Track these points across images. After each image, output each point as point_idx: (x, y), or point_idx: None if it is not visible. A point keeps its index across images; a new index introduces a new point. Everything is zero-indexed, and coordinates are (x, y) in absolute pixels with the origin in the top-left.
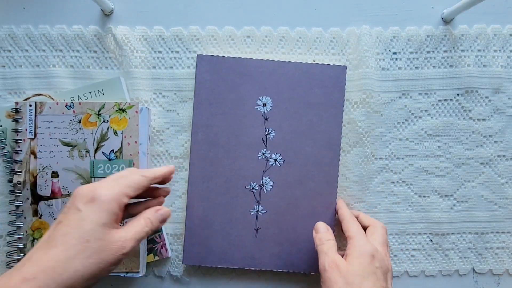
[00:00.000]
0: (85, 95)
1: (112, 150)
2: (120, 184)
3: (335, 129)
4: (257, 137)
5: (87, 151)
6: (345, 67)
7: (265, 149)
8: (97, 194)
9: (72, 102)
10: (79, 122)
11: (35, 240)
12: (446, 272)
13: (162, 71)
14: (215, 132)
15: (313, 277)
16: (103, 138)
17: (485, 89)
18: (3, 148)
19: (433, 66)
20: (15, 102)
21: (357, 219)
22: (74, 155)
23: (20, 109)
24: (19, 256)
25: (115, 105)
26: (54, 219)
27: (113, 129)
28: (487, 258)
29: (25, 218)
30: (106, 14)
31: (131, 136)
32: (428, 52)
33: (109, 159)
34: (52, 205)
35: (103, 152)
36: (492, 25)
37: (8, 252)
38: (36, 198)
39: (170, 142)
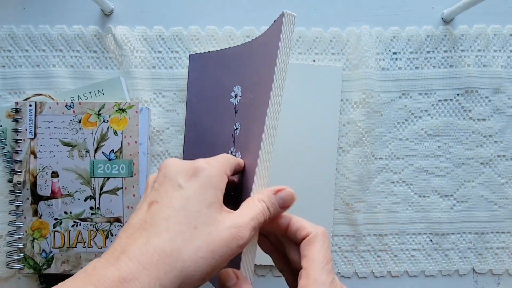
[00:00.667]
0: (85, 95)
1: (112, 150)
2: (218, 161)
3: (332, 129)
4: None
5: (87, 151)
6: (340, 68)
7: None
8: (201, 168)
9: (72, 102)
10: (79, 122)
11: (35, 240)
12: (446, 272)
13: (162, 71)
14: (203, 131)
15: None
16: (103, 138)
17: (485, 89)
18: (3, 148)
19: (433, 66)
20: (15, 102)
21: (288, 227)
22: (74, 155)
23: (20, 109)
24: (19, 256)
25: (115, 105)
26: (55, 219)
27: (113, 129)
28: (487, 258)
29: (25, 218)
30: (106, 14)
31: (131, 136)
32: (428, 52)
33: (109, 159)
34: (52, 205)
35: (103, 152)
36: (492, 25)
37: (8, 252)
38: (36, 198)
39: (170, 142)
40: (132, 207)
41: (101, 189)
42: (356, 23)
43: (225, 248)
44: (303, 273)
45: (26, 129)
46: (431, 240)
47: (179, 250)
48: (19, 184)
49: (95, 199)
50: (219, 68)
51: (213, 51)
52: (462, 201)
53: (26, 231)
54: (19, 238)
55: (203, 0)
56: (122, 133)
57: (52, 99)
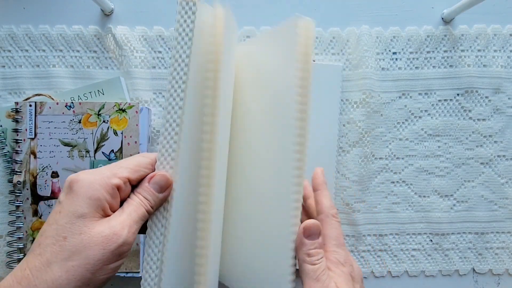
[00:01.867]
0: (85, 95)
1: (112, 150)
2: (110, 166)
3: (332, 128)
4: None
5: (87, 151)
6: (341, 66)
7: None
8: (75, 180)
9: (72, 102)
10: (79, 122)
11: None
12: (446, 272)
13: (162, 71)
14: None
15: None
16: (103, 138)
17: (485, 89)
18: (3, 148)
19: (433, 66)
20: (15, 102)
21: (306, 202)
22: (74, 155)
23: (20, 109)
24: (19, 256)
25: (115, 105)
26: None
27: (113, 129)
28: (487, 258)
29: (25, 218)
30: (106, 14)
31: (131, 136)
32: (428, 52)
33: (109, 159)
34: (52, 205)
35: (103, 152)
36: (492, 25)
37: (8, 252)
38: (36, 198)
39: None
40: None
41: None
42: (356, 23)
43: (102, 251)
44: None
45: (26, 129)
46: (431, 240)
47: (48, 262)
48: (19, 184)
49: None
50: None
51: None
52: (462, 201)
53: (26, 231)
54: (19, 238)
55: (203, 1)
56: (122, 133)
57: (52, 99)
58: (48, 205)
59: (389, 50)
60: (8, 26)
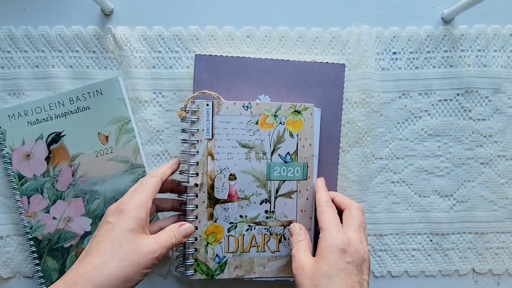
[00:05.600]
0: (83, 95)
1: (288, 153)
2: (140, 191)
3: (335, 127)
4: None
5: (264, 153)
6: (343, 65)
7: None
8: (122, 206)
9: (249, 103)
10: (257, 123)
11: (209, 245)
12: (446, 272)
13: (162, 71)
14: None
15: None
16: (280, 140)
17: (485, 89)
18: (2, 150)
19: (433, 66)
20: (191, 101)
21: (333, 202)
22: (252, 157)
23: (196, 108)
24: (191, 261)
25: (291, 106)
26: (230, 223)
27: (289, 131)
28: (487, 258)
29: (199, 222)
30: (106, 14)
31: (306, 139)
32: (428, 52)
33: (285, 162)
34: (228, 209)
35: (279, 155)
36: (492, 25)
37: (177, 257)
38: (213, 201)
39: (170, 142)
40: (305, 211)
41: (277, 192)
42: (356, 23)
43: (144, 258)
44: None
45: (203, 130)
46: (431, 240)
47: (107, 262)
48: (196, 187)
49: (270, 203)
50: (236, 74)
51: (226, 56)
52: (462, 201)
53: (200, 236)
54: (192, 243)
55: (203, 0)
56: (297, 135)
57: (219, 97)
58: (224, 209)
59: (389, 50)
60: (7, 27)
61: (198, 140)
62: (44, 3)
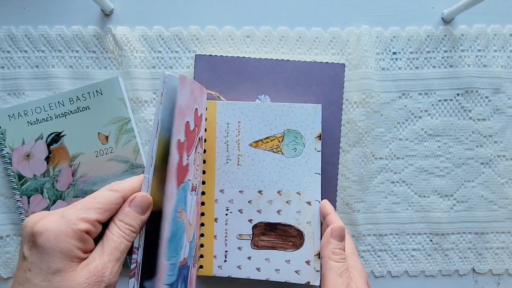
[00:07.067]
0: (83, 95)
1: None
2: (75, 208)
3: (335, 127)
4: None
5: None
6: (343, 65)
7: None
8: (38, 233)
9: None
10: None
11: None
12: (446, 272)
13: (162, 71)
14: None
15: None
16: None
17: (485, 89)
18: (2, 150)
19: (433, 66)
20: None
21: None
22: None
23: None
24: None
25: None
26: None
27: None
28: (487, 258)
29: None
30: (106, 14)
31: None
32: (428, 52)
33: None
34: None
35: None
36: (492, 25)
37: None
38: None
39: None
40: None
41: None
42: (356, 23)
43: None
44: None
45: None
46: (431, 240)
47: None
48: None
49: None
50: (237, 74)
51: (226, 56)
52: (462, 201)
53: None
54: None
55: (203, 0)
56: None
57: (219, 98)
58: None
59: (389, 50)
60: (7, 27)
61: None
62: (44, 3)
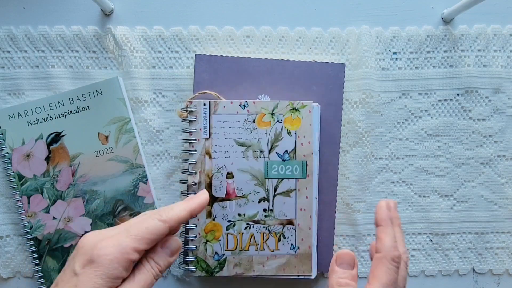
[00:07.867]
0: (83, 95)
1: (286, 151)
2: (130, 236)
3: (335, 127)
4: None
5: (262, 151)
6: (343, 65)
7: None
8: (97, 253)
9: (246, 101)
10: (253, 121)
11: (208, 243)
12: (446, 272)
13: (162, 71)
14: None
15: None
16: (277, 138)
17: (485, 89)
18: (2, 149)
19: (433, 66)
20: (188, 102)
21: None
22: (249, 156)
23: (194, 108)
24: (191, 258)
25: (289, 104)
26: (228, 221)
27: (287, 129)
28: (487, 258)
29: (198, 220)
30: (106, 14)
31: (304, 136)
32: (428, 52)
33: (283, 160)
34: (226, 207)
35: (277, 153)
36: (492, 25)
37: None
38: (211, 200)
39: (170, 142)
40: (304, 210)
41: (275, 190)
42: (356, 23)
43: None
44: None
45: (200, 129)
46: (431, 240)
47: None
48: (194, 185)
49: (268, 201)
50: (237, 74)
51: (226, 56)
52: (462, 201)
53: (199, 233)
54: (192, 240)
55: (203, 0)
56: (295, 133)
57: (219, 97)
58: (223, 207)
59: (389, 50)
60: (7, 27)
61: (196, 139)
62: (44, 3)
